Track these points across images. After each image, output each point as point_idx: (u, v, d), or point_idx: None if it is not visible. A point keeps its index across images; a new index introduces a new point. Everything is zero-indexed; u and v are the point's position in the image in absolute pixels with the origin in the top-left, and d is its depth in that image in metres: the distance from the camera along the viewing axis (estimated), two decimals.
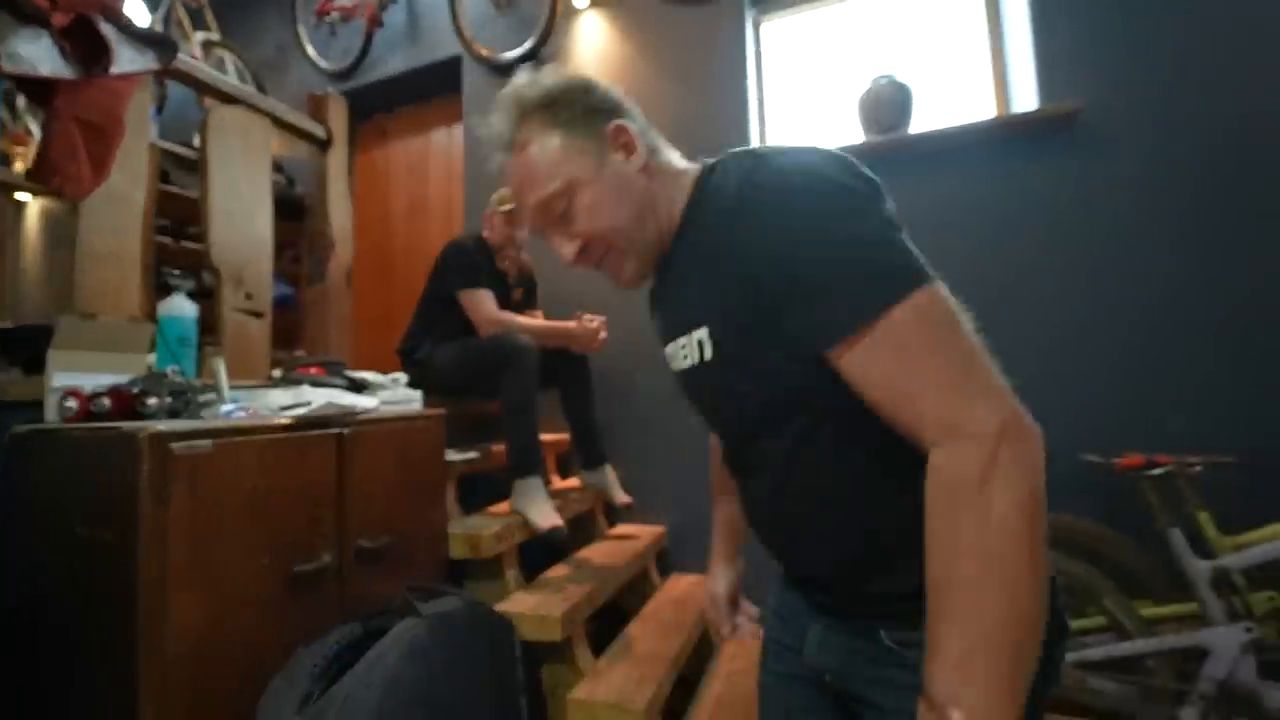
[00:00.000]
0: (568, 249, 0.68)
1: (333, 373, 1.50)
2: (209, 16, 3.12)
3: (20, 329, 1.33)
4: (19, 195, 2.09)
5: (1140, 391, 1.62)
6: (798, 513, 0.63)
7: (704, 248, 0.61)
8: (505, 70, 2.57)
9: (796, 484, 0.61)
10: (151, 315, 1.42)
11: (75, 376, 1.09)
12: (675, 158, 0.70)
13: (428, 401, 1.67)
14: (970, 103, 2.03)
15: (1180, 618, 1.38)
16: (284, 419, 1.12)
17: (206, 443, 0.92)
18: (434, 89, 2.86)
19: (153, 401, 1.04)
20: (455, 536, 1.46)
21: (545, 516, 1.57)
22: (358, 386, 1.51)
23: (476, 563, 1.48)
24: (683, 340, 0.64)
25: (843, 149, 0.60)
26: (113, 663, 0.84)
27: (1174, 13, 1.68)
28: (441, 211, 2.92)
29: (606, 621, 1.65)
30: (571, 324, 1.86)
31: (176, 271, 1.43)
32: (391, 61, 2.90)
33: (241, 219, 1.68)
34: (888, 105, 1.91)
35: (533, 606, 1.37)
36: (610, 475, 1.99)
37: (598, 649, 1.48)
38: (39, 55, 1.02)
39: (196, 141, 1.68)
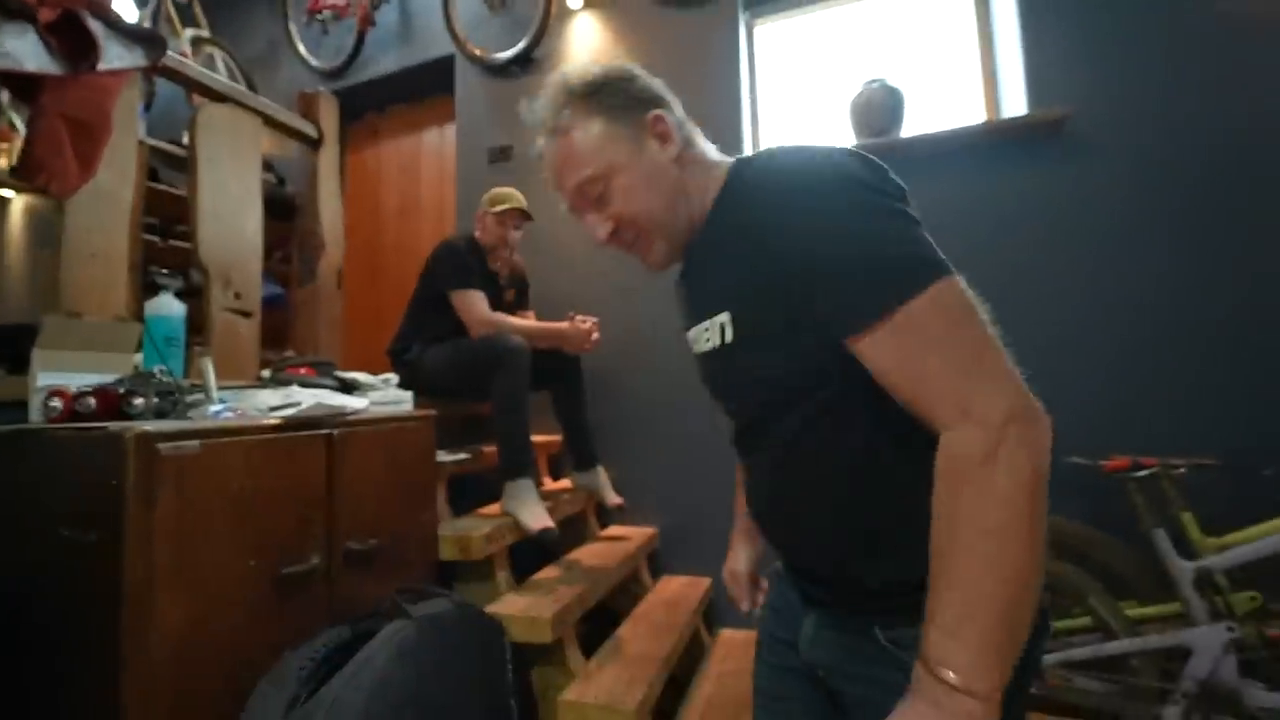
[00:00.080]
0: (601, 230, 0.71)
1: (322, 373, 1.49)
2: (199, 13, 3.09)
3: (4, 328, 1.31)
4: (3, 192, 2.06)
5: (1126, 395, 1.65)
6: (796, 498, 0.65)
7: (731, 237, 0.63)
8: (498, 71, 2.57)
9: (796, 470, 0.63)
10: (139, 315, 1.40)
11: (60, 376, 1.08)
12: (710, 150, 0.73)
13: (418, 402, 1.66)
14: (961, 107, 2.05)
15: (1164, 618, 1.39)
16: (273, 419, 1.11)
17: (194, 443, 0.91)
18: (426, 89, 2.85)
19: (139, 401, 1.03)
20: (445, 538, 1.45)
21: (536, 518, 1.57)
22: (348, 387, 1.50)
23: (467, 564, 1.48)
24: (706, 324, 0.67)
25: None
26: (96, 665, 0.83)
27: (1160, 22, 1.70)
28: (433, 212, 2.91)
29: (597, 623, 1.65)
30: (563, 325, 1.86)
31: (164, 270, 1.42)
32: (383, 60, 2.89)
33: (230, 218, 1.67)
34: (879, 109, 1.92)
35: (523, 608, 1.36)
36: (602, 476, 1.99)
37: (589, 650, 1.48)
38: (24, 51, 1.00)
39: (185, 139, 1.66)
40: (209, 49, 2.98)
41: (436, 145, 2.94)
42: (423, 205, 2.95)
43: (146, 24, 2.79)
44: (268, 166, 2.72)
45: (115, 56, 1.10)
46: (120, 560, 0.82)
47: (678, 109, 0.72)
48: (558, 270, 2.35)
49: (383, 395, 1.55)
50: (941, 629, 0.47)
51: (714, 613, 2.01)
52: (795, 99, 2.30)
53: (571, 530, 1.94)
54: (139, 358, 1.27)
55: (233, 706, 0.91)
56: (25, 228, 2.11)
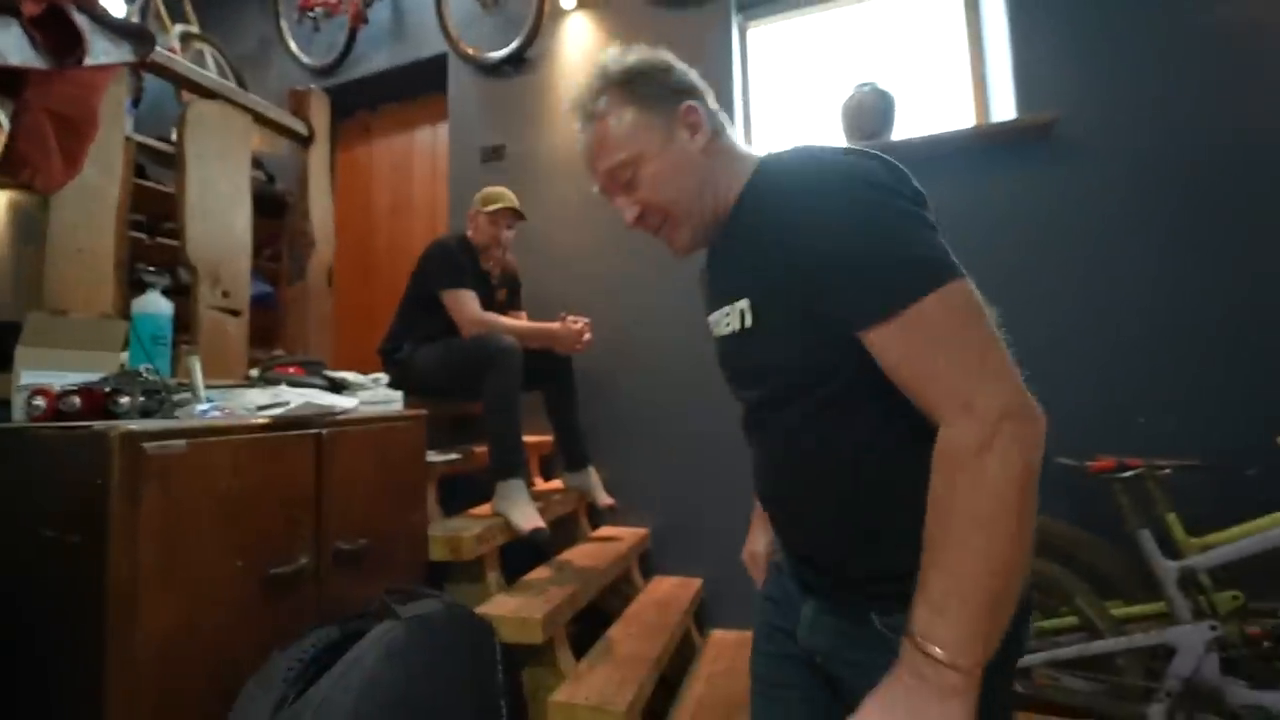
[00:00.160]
0: (629, 213, 0.74)
1: (312, 372, 1.48)
2: (188, 9, 3.06)
3: None
4: None
5: (1113, 397, 1.67)
6: (799, 485, 0.68)
7: (755, 229, 0.65)
8: (491, 70, 2.56)
9: (800, 459, 0.66)
10: (125, 313, 1.38)
11: (44, 374, 1.07)
12: (739, 142, 0.75)
13: (409, 402, 1.65)
14: (951, 111, 2.07)
15: (1149, 617, 1.41)
16: (261, 419, 1.10)
17: (180, 442, 0.90)
18: (419, 87, 2.84)
19: (125, 400, 1.01)
20: (436, 538, 1.44)
21: (527, 518, 1.57)
22: (337, 386, 1.49)
23: (457, 565, 1.47)
24: (727, 309, 0.70)
25: None
26: (81, 666, 0.82)
27: (1147, 27, 1.73)
28: (425, 210, 2.90)
29: (589, 624, 1.65)
30: (555, 325, 1.86)
31: (151, 268, 1.40)
32: (376, 58, 2.88)
33: (219, 215, 1.66)
34: (870, 112, 1.94)
35: (514, 609, 1.36)
36: (593, 477, 1.99)
37: (579, 651, 1.48)
38: (8, 45, 0.99)
39: (174, 136, 1.65)
40: (198, 45, 2.95)
41: (429, 144, 2.92)
42: (415, 204, 2.94)
43: (134, 19, 2.76)
44: (258, 164, 2.69)
45: (102, 51, 1.09)
46: (104, 561, 0.81)
47: (710, 101, 0.74)
48: (550, 270, 2.34)
49: (372, 395, 1.55)
50: (929, 607, 0.50)
51: (705, 613, 2.02)
52: (787, 101, 2.31)
53: (563, 531, 1.94)
54: (125, 356, 1.26)
55: (220, 707, 0.90)
56: (9, 224, 2.08)
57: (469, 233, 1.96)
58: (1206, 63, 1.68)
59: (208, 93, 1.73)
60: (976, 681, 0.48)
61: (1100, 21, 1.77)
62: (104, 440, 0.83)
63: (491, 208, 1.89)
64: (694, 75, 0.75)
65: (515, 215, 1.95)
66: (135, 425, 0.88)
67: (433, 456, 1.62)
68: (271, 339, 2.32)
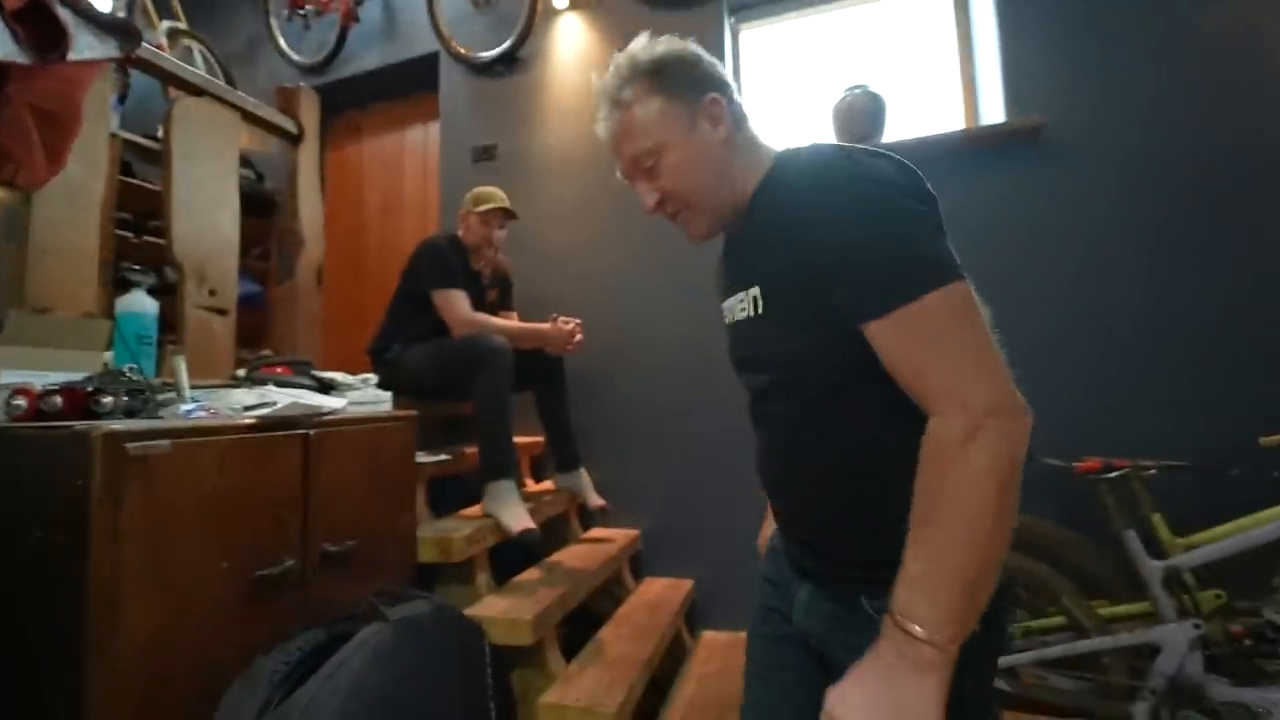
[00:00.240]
0: (649, 199, 0.76)
1: (299, 372, 1.46)
2: (176, 5, 3.03)
3: None
4: None
5: (1099, 398, 1.69)
6: (798, 472, 0.71)
7: (770, 221, 0.68)
8: (483, 69, 2.55)
9: (799, 447, 0.69)
10: (109, 312, 1.37)
11: (25, 374, 1.05)
12: (760, 137, 0.77)
13: (399, 403, 1.64)
14: (942, 114, 2.09)
15: (1135, 616, 1.42)
16: (247, 419, 1.09)
17: (164, 443, 0.89)
18: (410, 86, 2.83)
19: (108, 400, 1.00)
20: (425, 540, 1.43)
21: (518, 519, 1.56)
22: (325, 387, 1.48)
23: (447, 566, 1.46)
24: (740, 295, 0.73)
25: None
26: (62, 669, 0.81)
27: (1135, 33, 1.75)
28: (416, 209, 2.88)
29: (579, 625, 1.64)
30: (546, 326, 1.85)
31: (137, 267, 1.38)
32: (366, 57, 2.86)
33: (206, 213, 1.64)
34: (861, 115, 1.94)
35: (503, 610, 1.35)
36: (585, 478, 1.99)
37: (570, 653, 1.47)
38: None
39: (161, 133, 1.63)
40: (187, 42, 2.92)
41: (420, 143, 2.91)
42: (406, 203, 2.92)
43: (121, 14, 2.72)
44: (246, 163, 2.67)
45: (86, 46, 1.07)
46: (86, 562, 0.80)
47: (734, 94, 0.76)
48: (541, 270, 2.34)
49: (361, 395, 1.53)
50: (910, 588, 0.53)
51: (696, 615, 2.02)
52: (779, 103, 2.32)
53: (553, 532, 1.93)
54: (109, 356, 1.24)
55: (204, 710, 0.89)
56: None
57: (460, 232, 1.95)
58: (1194, 68, 1.70)
59: (195, 89, 1.72)
60: (952, 658, 0.51)
61: (1089, 26, 1.79)
62: (86, 440, 0.82)
63: (483, 208, 1.89)
64: (720, 68, 0.77)
65: (507, 215, 1.94)
66: (118, 425, 0.87)
67: (422, 457, 1.61)
68: (260, 339, 2.30)
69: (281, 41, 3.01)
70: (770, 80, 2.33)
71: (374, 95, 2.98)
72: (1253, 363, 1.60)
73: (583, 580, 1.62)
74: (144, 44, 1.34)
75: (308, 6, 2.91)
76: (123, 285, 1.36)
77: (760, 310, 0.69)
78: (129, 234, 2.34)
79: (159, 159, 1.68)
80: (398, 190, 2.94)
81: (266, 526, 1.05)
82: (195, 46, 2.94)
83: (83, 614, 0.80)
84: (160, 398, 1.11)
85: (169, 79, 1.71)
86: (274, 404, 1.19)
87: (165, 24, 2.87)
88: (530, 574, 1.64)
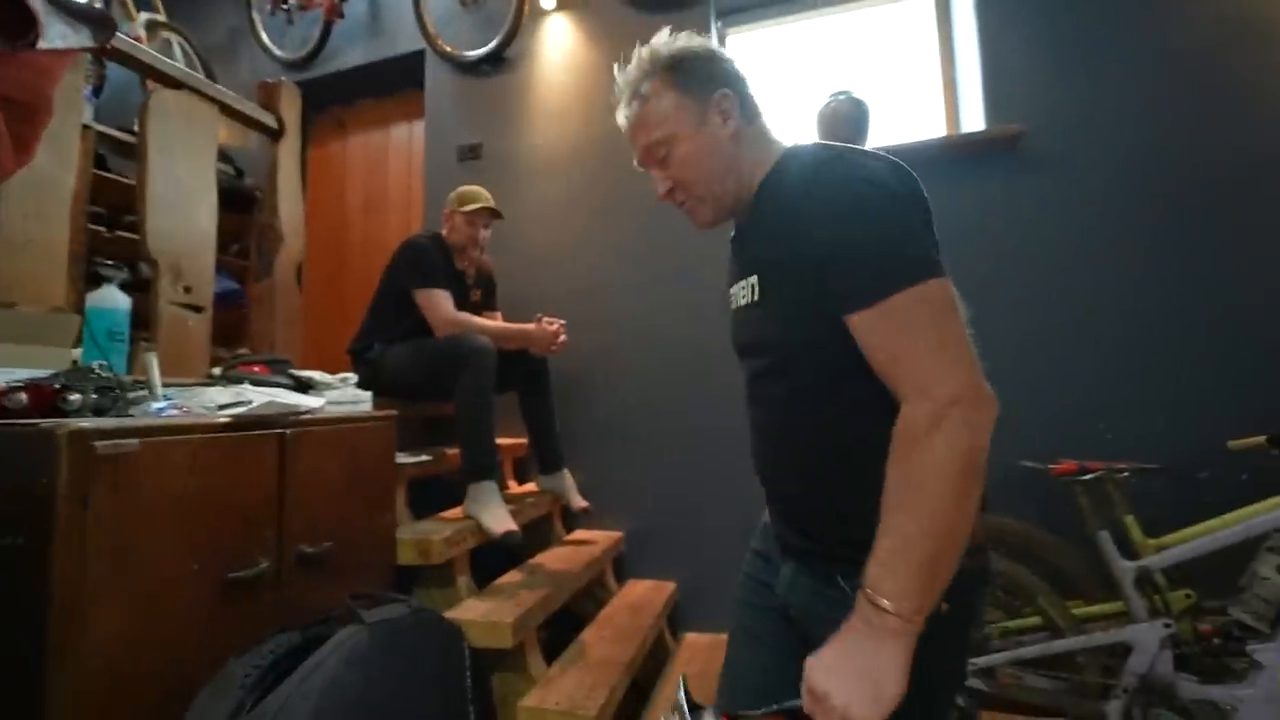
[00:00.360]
0: (660, 187, 0.80)
1: (277, 371, 1.44)
2: None
3: None
4: None
5: (1075, 403, 1.72)
6: (785, 454, 0.75)
7: (770, 212, 0.72)
8: (469, 68, 2.54)
9: (786, 428, 0.73)
10: (80, 307, 1.33)
11: None
12: (769, 133, 0.81)
13: (379, 402, 1.62)
14: (924, 120, 2.11)
15: (1108, 616, 1.45)
16: (222, 418, 1.07)
17: (133, 441, 0.87)
18: (395, 83, 2.80)
19: (75, 397, 0.97)
20: (404, 542, 1.42)
21: (499, 521, 1.55)
22: (303, 386, 1.45)
23: (427, 569, 1.45)
24: (742, 282, 0.77)
25: None
26: (21, 677, 0.78)
27: (1113, 43, 1.79)
28: (400, 208, 2.85)
29: (561, 627, 1.63)
30: (530, 326, 1.84)
31: (109, 261, 1.35)
32: (351, 53, 2.83)
33: (182, 208, 1.60)
34: (845, 120, 1.96)
35: (484, 613, 1.34)
36: (568, 480, 1.97)
37: (552, 656, 1.46)
38: None
39: (137, 126, 1.59)
40: (165, 34, 2.87)
41: (405, 141, 2.88)
42: (390, 201, 2.89)
43: (96, 4, 2.66)
44: (225, 158, 2.62)
45: (58, 35, 1.04)
46: (49, 564, 0.78)
47: (748, 92, 0.80)
48: (526, 271, 2.33)
49: (340, 394, 1.51)
50: (878, 564, 0.57)
51: (679, 617, 2.01)
52: (764, 108, 2.33)
53: (536, 534, 1.92)
54: (78, 352, 1.21)
55: (173, 714, 0.87)
56: None
57: (445, 232, 1.94)
58: (1170, 80, 1.74)
59: (173, 82, 1.68)
60: (916, 628, 0.55)
61: (1069, 37, 1.83)
62: (51, 438, 0.80)
63: (469, 207, 1.87)
64: (735, 64, 0.80)
65: (493, 215, 1.93)
66: (86, 423, 0.84)
67: (402, 458, 1.59)
68: (238, 337, 2.26)
69: (264, 36, 2.96)
70: (756, 85, 2.35)
71: (358, 92, 2.94)
72: (1223, 369, 1.64)
73: (565, 582, 1.61)
74: (120, 35, 1.31)
75: (291, 1, 2.87)
76: (95, 280, 1.33)
77: (758, 297, 0.72)
78: (102, 228, 2.29)
79: (135, 152, 1.64)
80: (381, 188, 2.91)
81: (240, 527, 1.03)
82: (174, 39, 2.88)
83: (45, 618, 0.77)
84: (131, 395, 1.09)
85: (147, 71, 1.67)
86: (249, 403, 1.16)
87: (144, 16, 2.82)
88: (512, 576, 1.63)
